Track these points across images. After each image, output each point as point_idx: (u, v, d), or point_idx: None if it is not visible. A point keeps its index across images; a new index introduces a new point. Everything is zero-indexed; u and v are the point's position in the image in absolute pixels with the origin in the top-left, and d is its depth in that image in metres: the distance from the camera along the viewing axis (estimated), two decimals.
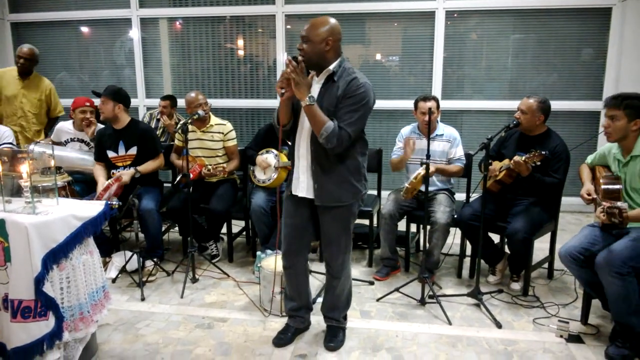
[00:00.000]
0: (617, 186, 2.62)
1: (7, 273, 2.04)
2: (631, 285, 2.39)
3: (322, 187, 2.35)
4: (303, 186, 2.40)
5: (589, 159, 2.98)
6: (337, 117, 2.24)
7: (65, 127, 3.96)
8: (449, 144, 3.50)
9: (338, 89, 2.25)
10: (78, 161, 3.79)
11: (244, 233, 4.15)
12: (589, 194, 2.71)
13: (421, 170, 3.15)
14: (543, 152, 2.91)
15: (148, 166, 3.57)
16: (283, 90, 2.20)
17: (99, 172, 3.56)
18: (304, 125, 2.34)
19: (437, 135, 3.50)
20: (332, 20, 2.27)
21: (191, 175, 3.40)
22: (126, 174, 3.43)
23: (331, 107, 2.25)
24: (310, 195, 2.39)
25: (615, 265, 2.36)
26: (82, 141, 3.91)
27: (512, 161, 3.02)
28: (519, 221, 3.05)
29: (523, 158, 2.95)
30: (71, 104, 3.88)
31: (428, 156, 2.93)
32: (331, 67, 2.28)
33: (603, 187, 2.64)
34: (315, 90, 2.31)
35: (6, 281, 2.05)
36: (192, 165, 3.54)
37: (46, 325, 2.05)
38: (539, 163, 2.94)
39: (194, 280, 3.41)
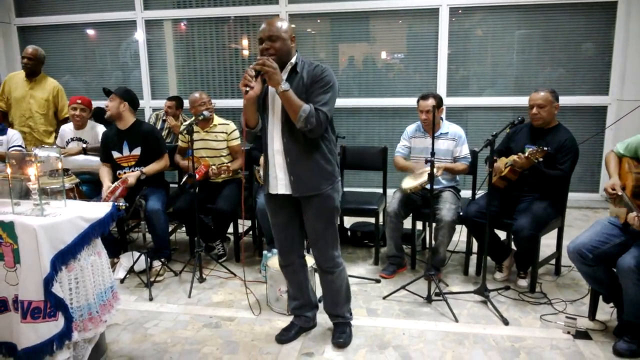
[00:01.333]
0: None
1: (17, 274, 2.07)
2: None
3: (298, 178, 2.38)
4: (282, 183, 2.42)
5: (621, 146, 2.75)
6: (310, 102, 2.28)
7: (67, 129, 4.03)
8: (453, 142, 3.49)
9: (303, 79, 2.32)
10: (83, 162, 3.83)
11: (251, 233, 4.17)
12: (613, 189, 2.58)
13: (424, 176, 3.15)
14: (545, 149, 2.90)
15: (153, 167, 3.59)
16: (247, 88, 2.22)
17: (104, 174, 3.59)
18: (275, 121, 2.37)
19: (441, 133, 3.49)
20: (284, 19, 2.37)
21: (197, 176, 3.42)
22: (132, 176, 3.46)
23: (301, 95, 2.28)
24: (289, 190, 2.41)
25: (639, 272, 2.32)
26: (80, 140, 3.95)
27: (513, 158, 3.01)
28: (524, 218, 3.04)
29: (526, 154, 2.94)
30: None
31: (432, 154, 2.93)
32: (293, 59, 2.35)
33: (635, 184, 2.50)
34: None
35: (16, 282, 2.08)
36: (197, 166, 3.56)
37: (56, 325, 2.07)
38: (541, 159, 2.93)
39: (201, 279, 3.44)
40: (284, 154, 2.37)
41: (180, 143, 3.89)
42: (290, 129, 2.32)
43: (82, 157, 3.86)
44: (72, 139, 3.97)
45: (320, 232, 2.48)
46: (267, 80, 2.23)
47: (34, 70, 4.36)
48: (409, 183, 3.38)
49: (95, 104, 4.83)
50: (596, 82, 5.03)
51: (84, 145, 3.90)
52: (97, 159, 3.78)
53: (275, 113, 2.36)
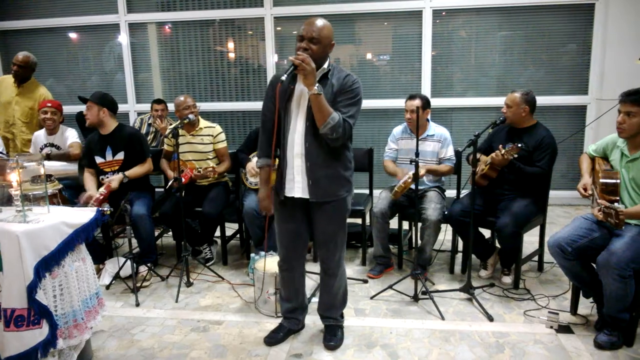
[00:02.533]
0: (615, 180, 2.60)
1: (0, 282, 2.05)
2: (630, 287, 2.44)
3: (316, 183, 2.37)
4: (299, 186, 2.41)
5: (591, 148, 2.93)
6: (335, 110, 2.28)
7: (40, 134, 4.01)
8: (439, 143, 3.52)
9: (333, 86, 2.31)
10: (59, 168, 3.81)
11: (238, 236, 4.17)
12: (585, 189, 2.71)
13: (408, 178, 3.18)
14: (519, 145, 2.96)
15: (136, 171, 3.56)
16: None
17: (89, 181, 3.56)
18: (297, 125, 2.36)
19: (427, 135, 3.52)
20: (328, 22, 2.34)
21: (183, 180, 3.41)
22: (115, 180, 3.44)
23: (328, 102, 2.28)
24: (305, 194, 2.41)
25: (619, 268, 2.38)
26: (52, 145, 3.93)
27: (491, 155, 3.08)
28: (507, 216, 3.09)
29: (502, 152, 2.99)
30: None
31: (417, 154, 2.96)
32: (325, 65, 2.34)
33: (601, 180, 2.62)
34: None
35: None
36: (183, 170, 3.55)
37: (40, 333, 2.05)
38: (516, 155, 2.99)
39: (189, 284, 3.43)
40: (304, 157, 2.36)
41: (166, 147, 3.88)
42: (313, 133, 2.31)
43: (58, 163, 3.83)
44: (46, 145, 3.95)
45: (332, 235, 2.49)
46: (302, 79, 2.21)
47: (23, 76, 4.32)
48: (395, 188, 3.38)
49: (78, 108, 4.80)
50: (576, 82, 5.12)
51: (48, 152, 3.87)
52: (75, 164, 3.76)
53: (300, 116, 2.34)
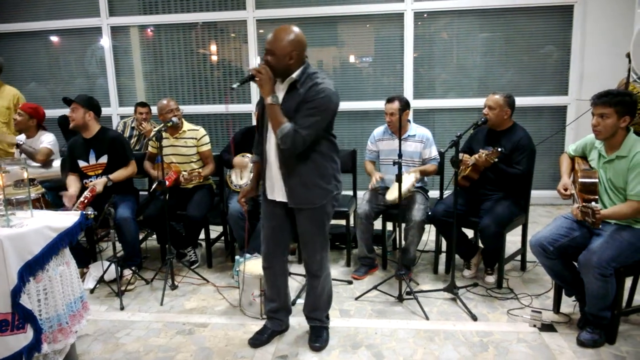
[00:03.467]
0: (594, 180, 2.65)
1: None
2: (611, 285, 2.49)
3: (292, 190, 2.41)
4: (278, 191, 2.46)
5: (571, 148, 2.96)
6: (294, 121, 2.29)
7: (21, 138, 3.98)
8: (421, 144, 3.56)
9: (300, 96, 2.31)
10: (39, 171, 3.78)
11: (222, 238, 4.16)
12: (565, 189, 2.75)
13: (405, 186, 3.20)
14: (499, 150, 3.02)
15: (120, 174, 3.54)
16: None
17: (72, 184, 3.52)
18: (272, 134, 2.38)
19: (409, 135, 3.57)
20: (296, 31, 2.31)
21: (167, 183, 3.40)
22: (99, 183, 3.41)
23: (291, 112, 2.30)
24: (284, 198, 2.45)
25: (600, 267, 2.43)
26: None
27: (474, 157, 3.13)
28: (489, 216, 3.14)
29: (484, 155, 3.05)
30: None
31: (400, 156, 3.00)
32: (294, 75, 2.32)
33: (580, 180, 2.68)
34: (280, 97, 2.36)
35: None
36: (167, 172, 3.53)
37: (24, 337, 2.04)
38: (496, 159, 3.04)
39: (173, 287, 3.41)
40: (279, 165, 2.40)
41: (150, 149, 3.86)
42: None
43: (36, 168, 3.82)
44: (17, 145, 3.93)
45: (310, 238, 2.52)
46: (259, 87, 2.28)
47: None
48: (392, 194, 3.40)
49: (61, 112, 4.75)
50: (556, 82, 5.22)
51: (20, 142, 3.89)
52: (56, 165, 3.74)
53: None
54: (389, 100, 3.51)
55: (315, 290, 2.63)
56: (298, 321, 2.83)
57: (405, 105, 3.48)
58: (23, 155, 3.82)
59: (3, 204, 2.12)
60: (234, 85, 2.35)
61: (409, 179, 3.29)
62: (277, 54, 2.26)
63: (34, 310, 2.08)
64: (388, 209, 3.56)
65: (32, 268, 2.07)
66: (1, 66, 4.34)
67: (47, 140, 3.91)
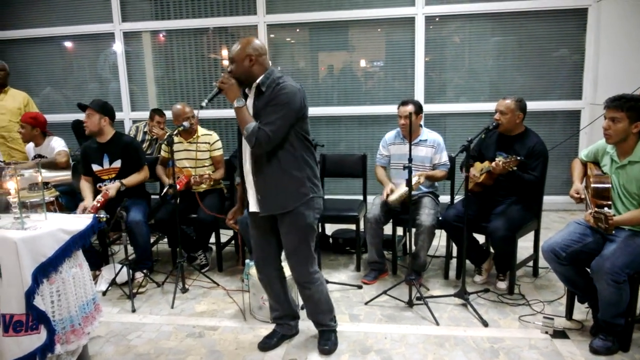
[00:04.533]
0: (606, 185, 2.62)
1: None
2: (625, 292, 2.46)
3: (265, 197, 2.43)
4: (252, 201, 2.49)
5: (583, 153, 2.94)
6: (259, 121, 2.34)
7: (29, 147, 4.06)
8: (432, 149, 3.55)
9: (266, 98, 2.36)
10: (53, 175, 3.81)
11: (233, 242, 4.18)
12: (577, 194, 2.73)
13: (406, 189, 3.18)
14: (519, 158, 2.98)
15: (133, 179, 3.58)
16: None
17: (86, 188, 3.57)
18: (245, 141, 2.41)
19: (420, 140, 3.56)
20: (253, 39, 2.41)
21: (178, 187, 3.42)
22: (112, 188, 3.45)
23: (260, 116, 2.35)
24: (257, 208, 2.47)
25: (613, 273, 2.40)
26: (40, 156, 3.95)
27: (491, 164, 3.09)
28: (499, 220, 3.12)
29: (501, 163, 3.00)
30: None
31: (410, 160, 2.99)
32: (258, 80, 2.38)
33: (593, 185, 2.65)
34: (249, 104, 2.41)
35: None
36: (178, 177, 3.56)
37: (38, 338, 2.07)
38: (515, 168, 3.00)
39: (184, 290, 3.44)
40: (252, 173, 2.43)
41: (162, 153, 3.90)
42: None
43: (50, 173, 3.85)
44: (35, 157, 3.98)
45: (292, 249, 2.51)
46: (226, 96, 2.36)
47: (4, 82, 4.38)
48: (394, 196, 3.41)
49: (74, 116, 4.82)
50: (569, 86, 5.17)
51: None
52: (69, 172, 3.77)
53: None
54: (403, 103, 3.52)
55: (312, 299, 2.63)
56: (308, 325, 2.83)
57: (418, 108, 3.49)
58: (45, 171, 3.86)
59: (18, 207, 2.15)
60: (204, 103, 2.38)
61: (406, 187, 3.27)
62: (236, 60, 2.37)
63: (47, 312, 2.11)
64: (398, 214, 3.55)
65: (46, 270, 2.11)
66: (7, 69, 4.42)
67: (59, 144, 3.94)
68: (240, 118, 2.35)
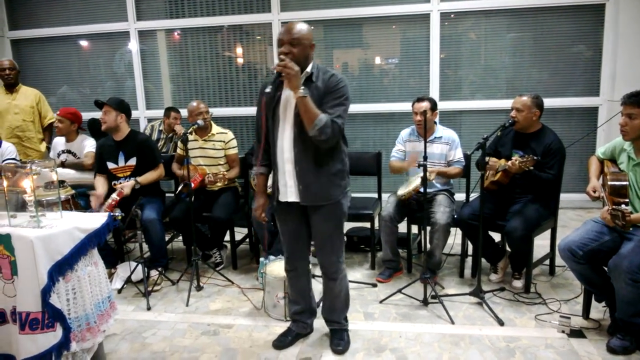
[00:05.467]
0: (624, 182, 2.58)
1: (15, 286, 2.09)
2: None
3: (307, 187, 2.38)
4: (292, 190, 2.42)
5: (600, 151, 2.92)
6: (324, 112, 2.27)
7: (59, 141, 4.08)
8: (447, 146, 3.52)
9: (318, 88, 2.31)
10: (75, 176, 3.86)
11: (247, 240, 4.19)
12: (594, 191, 2.70)
13: (418, 181, 3.16)
14: (535, 158, 2.93)
15: (148, 177, 3.61)
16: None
17: (100, 185, 3.60)
18: (286, 130, 2.36)
19: (435, 137, 3.52)
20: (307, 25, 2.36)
21: (192, 185, 3.44)
22: (127, 186, 3.48)
23: (315, 104, 2.27)
24: (298, 198, 2.42)
25: (630, 272, 2.36)
26: (69, 152, 3.99)
27: (507, 163, 3.04)
28: (516, 219, 3.08)
29: (517, 162, 2.95)
30: None
31: (425, 157, 2.96)
32: (308, 68, 2.34)
33: (610, 183, 2.62)
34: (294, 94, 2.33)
35: (13, 294, 2.10)
36: (193, 175, 3.58)
37: (54, 336, 2.09)
38: (531, 168, 2.95)
39: (199, 288, 3.45)
40: (294, 162, 2.37)
41: (178, 151, 3.92)
42: (302, 138, 2.31)
43: (72, 171, 3.89)
44: (63, 151, 4.02)
45: (327, 237, 2.50)
46: (287, 83, 2.22)
47: (15, 80, 4.43)
48: (402, 190, 3.40)
49: (90, 115, 4.87)
50: (587, 83, 5.09)
51: (63, 160, 3.94)
52: (91, 174, 3.79)
53: (287, 121, 2.35)
54: (418, 100, 3.49)
55: (332, 292, 2.63)
56: (322, 324, 2.82)
57: (433, 105, 3.48)
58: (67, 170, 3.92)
59: (34, 206, 2.18)
60: (268, 90, 2.33)
61: (416, 181, 3.25)
62: (302, 42, 2.27)
63: (63, 310, 2.12)
64: (413, 212, 3.52)
65: (62, 268, 2.13)
66: (17, 68, 4.48)
67: (90, 144, 3.97)
68: (306, 109, 2.21)
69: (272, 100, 2.37)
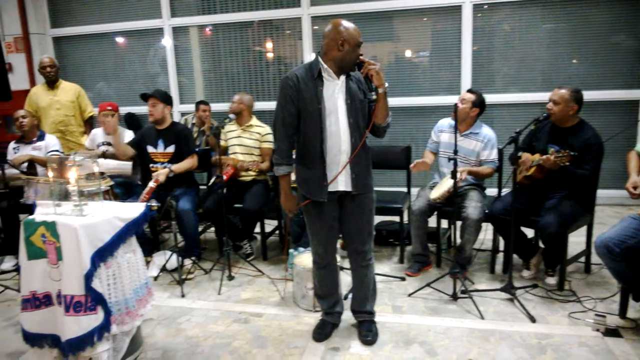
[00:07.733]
0: None
1: (60, 271, 2.20)
2: None
3: (358, 176, 2.50)
4: (342, 179, 2.49)
5: (639, 146, 2.84)
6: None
7: (98, 132, 4.22)
8: (481, 144, 3.45)
9: (357, 82, 2.48)
10: (114, 167, 3.97)
11: (277, 232, 4.25)
12: (634, 187, 2.62)
13: (450, 182, 3.13)
14: (572, 153, 2.86)
15: (181, 166, 3.71)
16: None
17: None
18: (340, 123, 2.42)
19: (471, 132, 3.47)
20: None
21: (224, 177, 3.53)
22: (162, 174, 3.60)
23: (359, 99, 2.46)
24: (349, 187, 2.50)
25: None
26: (110, 144, 4.10)
27: (542, 158, 2.97)
28: (551, 215, 3.02)
29: (552, 157, 2.88)
30: None
31: (455, 152, 2.94)
32: None
33: None
34: (343, 90, 2.42)
35: (59, 278, 2.20)
36: (225, 167, 3.67)
37: (96, 318, 2.19)
38: (567, 164, 2.88)
39: (230, 277, 3.53)
40: (349, 153, 2.46)
41: (222, 142, 4.00)
42: (357, 130, 2.45)
43: (113, 162, 4.00)
44: (103, 143, 4.15)
45: (363, 226, 2.58)
46: (375, 79, 2.37)
47: (56, 77, 4.58)
48: (435, 193, 3.36)
49: (126, 109, 5.01)
50: (626, 75, 4.91)
51: (105, 150, 4.08)
52: (130, 163, 3.87)
53: (341, 114, 2.42)
54: (469, 91, 3.51)
55: (364, 281, 2.68)
56: (349, 315, 2.85)
57: (478, 102, 3.42)
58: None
59: (77, 195, 2.28)
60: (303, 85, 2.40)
61: (448, 183, 3.20)
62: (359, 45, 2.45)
63: (104, 294, 2.22)
64: (443, 206, 3.50)
65: (103, 254, 2.22)
66: (57, 65, 4.63)
67: (128, 135, 4.09)
68: (386, 104, 2.45)
69: (316, 94, 2.39)
